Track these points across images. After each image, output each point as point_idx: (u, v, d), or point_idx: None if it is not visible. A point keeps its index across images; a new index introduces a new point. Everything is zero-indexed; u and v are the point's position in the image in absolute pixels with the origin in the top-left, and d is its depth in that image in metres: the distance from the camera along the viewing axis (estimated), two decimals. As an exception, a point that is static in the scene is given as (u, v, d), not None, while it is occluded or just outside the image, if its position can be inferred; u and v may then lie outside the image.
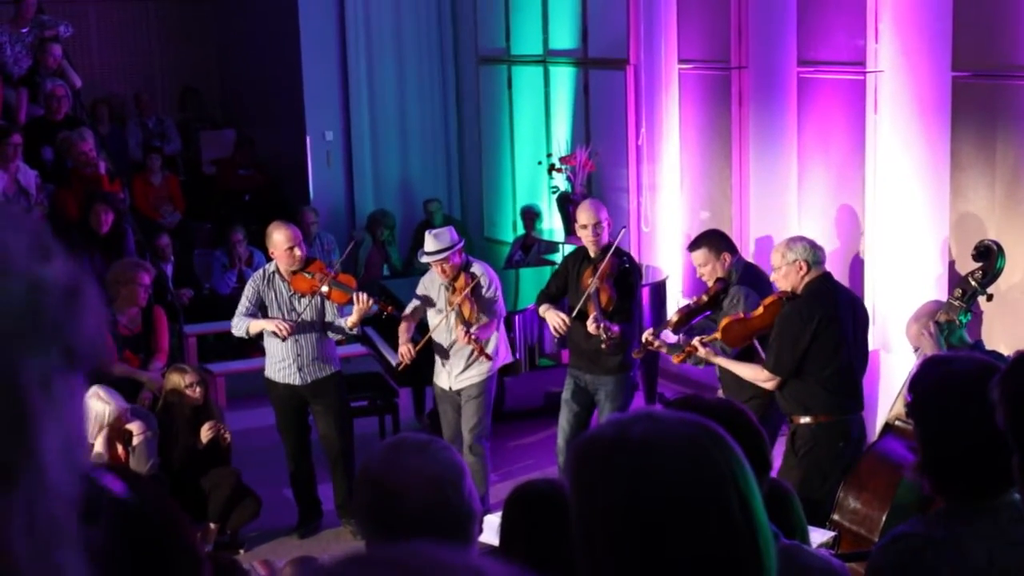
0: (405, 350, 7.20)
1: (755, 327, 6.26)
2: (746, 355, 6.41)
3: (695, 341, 6.33)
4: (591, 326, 6.82)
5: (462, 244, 7.17)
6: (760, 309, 6.26)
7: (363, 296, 7.03)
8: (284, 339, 7.08)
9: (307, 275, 7.14)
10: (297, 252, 7.09)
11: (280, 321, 7.05)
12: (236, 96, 14.31)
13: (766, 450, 2.84)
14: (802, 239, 6.23)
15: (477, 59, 12.28)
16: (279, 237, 7.10)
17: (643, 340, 6.70)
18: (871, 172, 7.85)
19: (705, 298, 6.60)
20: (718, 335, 6.30)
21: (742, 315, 6.33)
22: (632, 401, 7.12)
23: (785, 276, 6.09)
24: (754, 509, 1.57)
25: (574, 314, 7.03)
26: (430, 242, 7.09)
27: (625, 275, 7.06)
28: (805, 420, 6.04)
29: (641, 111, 10.10)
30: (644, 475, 1.54)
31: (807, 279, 6.03)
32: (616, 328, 6.85)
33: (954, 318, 5.80)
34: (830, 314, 5.98)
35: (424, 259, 7.15)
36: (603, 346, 6.88)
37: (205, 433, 7.00)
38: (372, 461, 2.51)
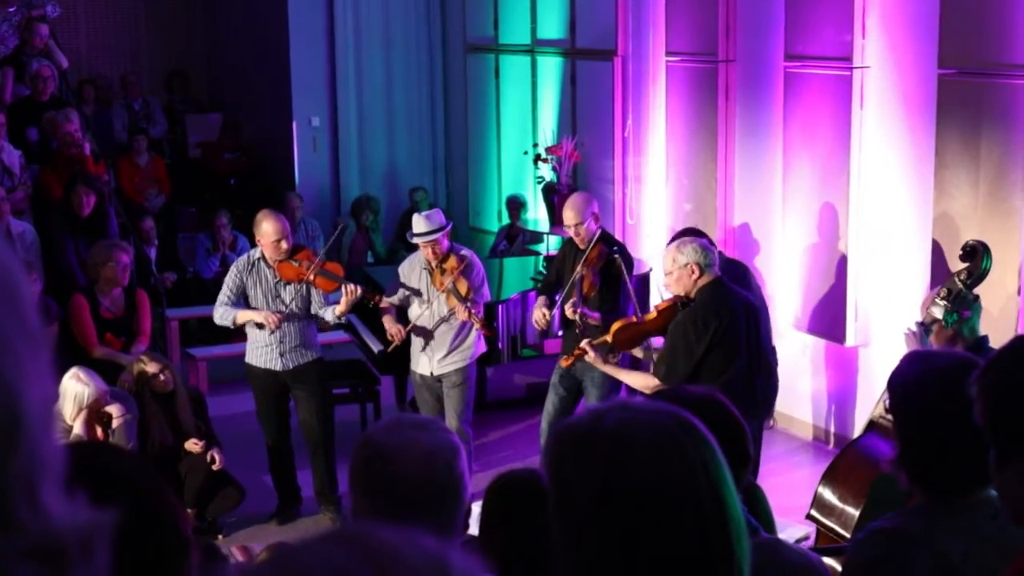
0: (396, 331, 7.19)
1: (647, 332, 6.19)
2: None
3: (584, 344, 6.24)
4: (568, 311, 6.85)
5: (451, 226, 7.19)
6: (653, 313, 6.15)
7: (351, 286, 7.00)
8: (273, 332, 7.05)
9: (294, 263, 7.09)
10: (283, 245, 7.02)
11: (269, 313, 7.00)
12: (223, 80, 14.25)
13: (745, 442, 2.85)
14: (693, 241, 6.03)
15: (465, 47, 12.26)
16: (268, 228, 7.02)
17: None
18: (856, 167, 7.87)
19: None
20: (608, 338, 6.20)
21: (635, 319, 6.23)
22: (620, 390, 7.12)
23: (677, 280, 5.90)
24: (726, 501, 1.57)
25: (561, 300, 7.05)
26: (421, 223, 7.08)
27: (612, 264, 7.06)
28: None
29: (628, 103, 10.10)
30: (615, 465, 1.55)
31: (700, 283, 5.87)
32: (596, 315, 6.88)
33: (939, 318, 5.78)
34: (725, 324, 5.81)
35: (414, 240, 7.14)
36: (577, 331, 6.90)
37: (192, 447, 7.00)
38: (372, 430, 2.62)
